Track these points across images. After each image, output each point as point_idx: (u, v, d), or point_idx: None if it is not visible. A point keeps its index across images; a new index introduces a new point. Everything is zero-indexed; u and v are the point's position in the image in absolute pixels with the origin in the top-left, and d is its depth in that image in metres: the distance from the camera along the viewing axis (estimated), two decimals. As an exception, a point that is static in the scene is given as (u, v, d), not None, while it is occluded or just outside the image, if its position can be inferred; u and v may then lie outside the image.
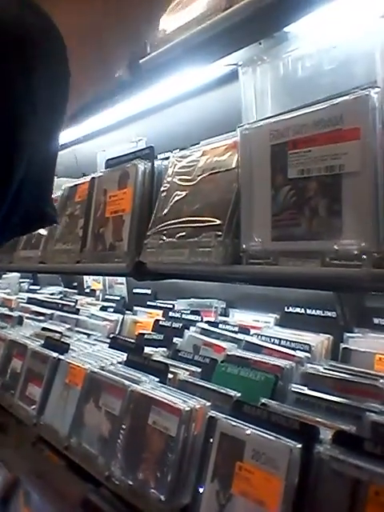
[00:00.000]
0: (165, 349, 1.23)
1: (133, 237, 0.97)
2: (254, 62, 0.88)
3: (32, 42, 0.30)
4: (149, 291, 1.83)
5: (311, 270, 0.63)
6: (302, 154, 0.65)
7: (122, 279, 2.00)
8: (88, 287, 2.26)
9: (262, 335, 1.18)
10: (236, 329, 1.26)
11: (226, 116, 0.96)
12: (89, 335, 1.53)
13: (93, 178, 1.17)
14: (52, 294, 2.28)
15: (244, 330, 1.25)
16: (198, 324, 1.33)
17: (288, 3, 0.69)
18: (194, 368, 1.07)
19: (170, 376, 1.04)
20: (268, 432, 0.74)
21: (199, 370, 1.06)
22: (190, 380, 1.01)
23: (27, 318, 1.84)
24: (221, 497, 0.76)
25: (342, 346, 1.11)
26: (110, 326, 1.62)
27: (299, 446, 0.69)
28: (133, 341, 1.31)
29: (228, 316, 1.49)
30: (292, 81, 0.83)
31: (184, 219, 0.85)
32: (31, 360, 1.41)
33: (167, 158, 1.00)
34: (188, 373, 1.05)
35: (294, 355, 1.05)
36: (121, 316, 1.66)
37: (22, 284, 2.62)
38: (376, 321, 1.15)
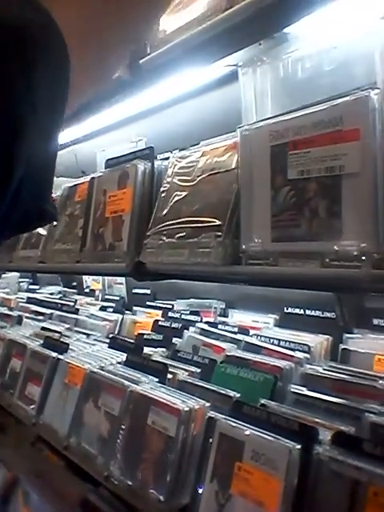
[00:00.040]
0: (164, 349, 1.23)
1: (132, 237, 0.97)
2: (253, 63, 0.88)
3: (33, 41, 0.30)
4: (148, 291, 1.83)
5: (311, 270, 0.63)
6: (302, 155, 0.65)
7: (122, 279, 2.00)
8: (87, 287, 2.26)
9: (261, 336, 1.18)
10: (235, 329, 1.26)
11: (226, 117, 0.96)
12: (88, 335, 1.53)
13: (92, 178, 1.17)
14: (51, 294, 2.28)
15: (243, 330, 1.25)
16: (198, 324, 1.33)
17: (288, 4, 0.69)
18: (193, 368, 1.07)
19: (170, 376, 1.04)
20: (267, 433, 0.74)
21: (198, 370, 1.06)
22: (190, 380, 1.01)
23: (26, 317, 1.84)
24: (220, 497, 0.76)
25: (342, 346, 1.11)
26: (109, 326, 1.62)
27: (298, 446, 0.69)
28: (132, 341, 1.31)
29: (227, 316, 1.49)
30: (292, 82, 0.83)
31: (184, 219, 0.85)
32: (30, 360, 1.41)
33: (167, 159, 1.00)
34: (187, 373, 1.05)
35: (293, 356, 1.05)
36: (120, 316, 1.66)
37: (21, 283, 2.62)
38: (375, 322, 1.15)
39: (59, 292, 2.32)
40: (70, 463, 1.12)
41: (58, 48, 0.32)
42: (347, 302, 1.18)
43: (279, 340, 1.12)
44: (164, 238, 0.87)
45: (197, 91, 1.26)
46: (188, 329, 1.31)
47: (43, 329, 1.61)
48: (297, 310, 1.28)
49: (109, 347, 1.33)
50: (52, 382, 1.27)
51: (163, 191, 0.94)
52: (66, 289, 2.36)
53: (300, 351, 1.07)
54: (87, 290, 2.22)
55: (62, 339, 1.44)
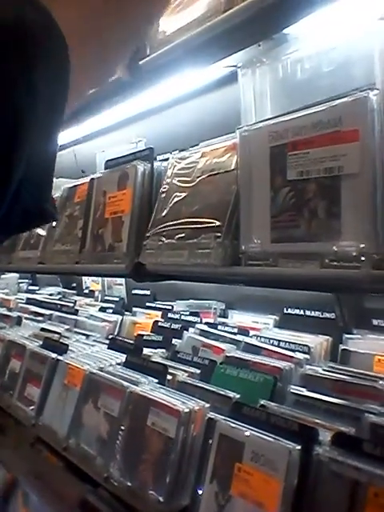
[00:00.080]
0: (164, 350, 1.23)
1: (132, 238, 0.97)
2: (253, 64, 0.88)
3: (33, 41, 0.29)
4: (148, 292, 1.83)
5: (310, 271, 0.63)
6: (301, 156, 0.65)
7: (121, 280, 2.00)
8: (87, 288, 2.26)
9: (261, 336, 1.18)
10: (235, 330, 1.26)
11: (226, 117, 0.96)
12: (88, 336, 1.53)
13: (92, 178, 1.17)
14: (51, 295, 2.28)
15: (243, 331, 1.25)
16: (197, 325, 1.32)
17: (287, 5, 0.69)
18: (192, 369, 1.07)
19: (169, 377, 1.04)
20: (267, 433, 0.73)
21: (198, 371, 1.06)
22: (189, 381, 1.01)
23: (26, 318, 1.84)
24: (220, 498, 0.76)
25: (341, 347, 1.11)
26: (108, 326, 1.62)
27: (298, 447, 0.69)
28: (132, 342, 1.31)
29: (227, 317, 1.49)
30: (291, 82, 0.84)
31: (183, 220, 0.85)
32: (30, 360, 1.41)
33: (167, 160, 1.00)
34: (187, 374, 1.05)
35: (293, 356, 1.05)
36: (120, 317, 1.66)
37: (20, 284, 2.62)
38: (375, 322, 1.15)
39: (59, 293, 2.32)
40: (70, 464, 1.12)
41: (59, 48, 0.32)
42: (347, 303, 1.18)
43: (279, 341, 1.12)
44: (163, 239, 0.87)
45: (196, 92, 1.26)
46: (188, 330, 1.31)
47: (42, 330, 1.61)
48: (296, 311, 1.28)
49: (108, 348, 1.33)
50: (51, 383, 1.27)
51: (163, 192, 0.94)
52: (65, 290, 2.36)
53: (300, 352, 1.07)
54: (87, 291, 2.22)
55: (61, 340, 1.44)
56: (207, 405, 0.88)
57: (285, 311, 1.31)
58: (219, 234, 0.76)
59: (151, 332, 1.41)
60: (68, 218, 1.28)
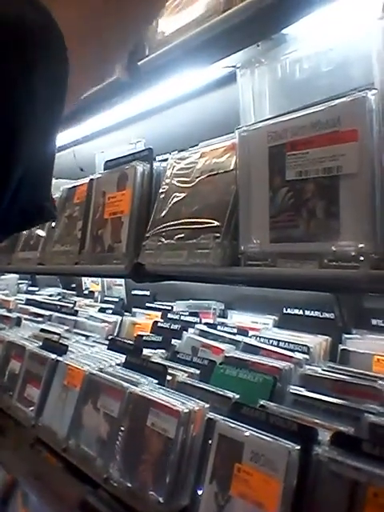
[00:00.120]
0: (163, 350, 1.23)
1: (131, 238, 0.97)
2: (252, 64, 0.88)
3: (33, 41, 0.29)
4: (147, 293, 1.83)
5: (309, 271, 0.63)
6: (300, 156, 0.65)
7: (121, 281, 2.00)
8: (86, 289, 2.26)
9: (260, 337, 1.18)
10: (234, 330, 1.26)
11: (225, 118, 0.96)
12: (87, 337, 1.53)
13: (91, 179, 1.17)
14: (50, 296, 2.28)
15: (242, 331, 1.25)
16: (197, 326, 1.33)
17: (286, 5, 0.69)
18: (192, 370, 1.07)
19: (169, 378, 1.04)
20: (266, 434, 0.74)
21: (198, 371, 1.06)
22: (189, 382, 1.01)
23: (25, 319, 1.84)
24: (219, 498, 0.76)
25: (341, 347, 1.11)
26: (108, 327, 1.62)
27: (298, 447, 0.69)
28: (131, 342, 1.31)
29: (226, 318, 1.49)
30: (290, 83, 0.84)
31: (182, 221, 0.85)
32: (29, 361, 1.41)
33: (166, 160, 1.00)
34: (186, 374, 1.05)
35: (292, 357, 1.05)
36: (119, 317, 1.66)
37: (20, 285, 2.62)
38: (374, 322, 1.15)
39: (58, 294, 2.32)
40: (69, 465, 1.12)
41: (58, 48, 0.32)
42: (346, 303, 1.19)
43: (278, 341, 1.12)
44: (163, 240, 0.87)
45: (195, 93, 1.26)
46: (187, 330, 1.31)
47: (42, 330, 1.61)
48: (296, 311, 1.28)
49: (108, 349, 1.33)
50: (51, 384, 1.27)
51: (162, 192, 0.94)
52: (65, 290, 2.36)
53: (299, 352, 1.07)
54: (86, 292, 2.22)
55: (61, 341, 1.44)
56: (207, 405, 0.88)
57: (284, 311, 1.31)
58: (218, 235, 0.76)
59: (151, 332, 1.41)
60: (67, 218, 1.28)
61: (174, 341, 1.28)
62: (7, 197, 0.30)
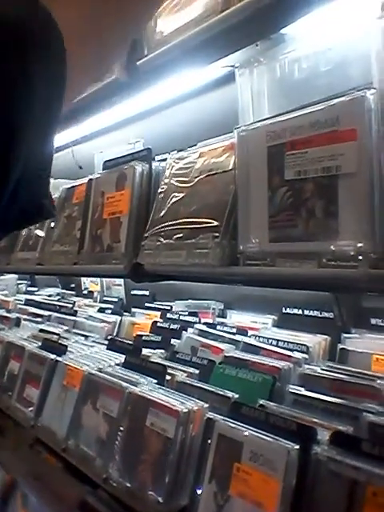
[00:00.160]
0: (163, 350, 1.23)
1: (130, 238, 0.97)
2: (250, 64, 0.88)
3: (33, 41, 0.29)
4: (147, 293, 1.83)
5: (308, 271, 0.63)
6: (299, 156, 0.65)
7: (120, 281, 2.00)
8: (86, 289, 2.26)
9: (259, 336, 1.18)
10: (234, 330, 1.26)
11: (223, 117, 0.96)
12: (86, 337, 1.53)
13: (90, 179, 1.17)
14: (50, 296, 2.28)
15: (242, 331, 1.25)
16: (196, 325, 1.32)
17: (284, 5, 0.69)
18: (191, 369, 1.06)
19: (168, 377, 1.04)
20: (266, 433, 0.73)
21: (197, 371, 1.06)
22: (188, 381, 1.01)
23: (25, 319, 1.84)
24: (219, 498, 0.76)
25: (340, 346, 1.11)
26: (107, 327, 1.62)
27: (297, 447, 0.69)
28: (131, 342, 1.31)
29: (226, 317, 1.49)
30: (288, 82, 0.84)
31: (181, 221, 0.85)
32: (29, 362, 1.40)
33: (165, 160, 1.00)
34: (186, 374, 1.05)
35: (291, 356, 1.05)
36: (118, 317, 1.66)
37: (19, 285, 2.62)
38: (373, 321, 1.15)
39: (57, 294, 2.32)
40: (69, 465, 1.12)
41: (58, 48, 0.32)
42: (345, 302, 1.19)
43: (277, 340, 1.12)
44: (162, 240, 0.87)
45: (194, 92, 1.26)
46: (186, 330, 1.31)
47: (41, 331, 1.61)
48: (295, 311, 1.28)
49: (107, 349, 1.33)
50: (50, 384, 1.27)
51: (161, 192, 0.94)
52: (64, 290, 2.35)
53: (298, 351, 1.07)
54: (85, 292, 2.22)
55: (60, 341, 1.44)
56: (206, 405, 0.88)
57: (283, 311, 1.31)
58: (217, 234, 0.76)
59: (150, 332, 1.41)
60: (66, 218, 1.28)
61: (173, 341, 1.28)
62: (6, 195, 0.30)
